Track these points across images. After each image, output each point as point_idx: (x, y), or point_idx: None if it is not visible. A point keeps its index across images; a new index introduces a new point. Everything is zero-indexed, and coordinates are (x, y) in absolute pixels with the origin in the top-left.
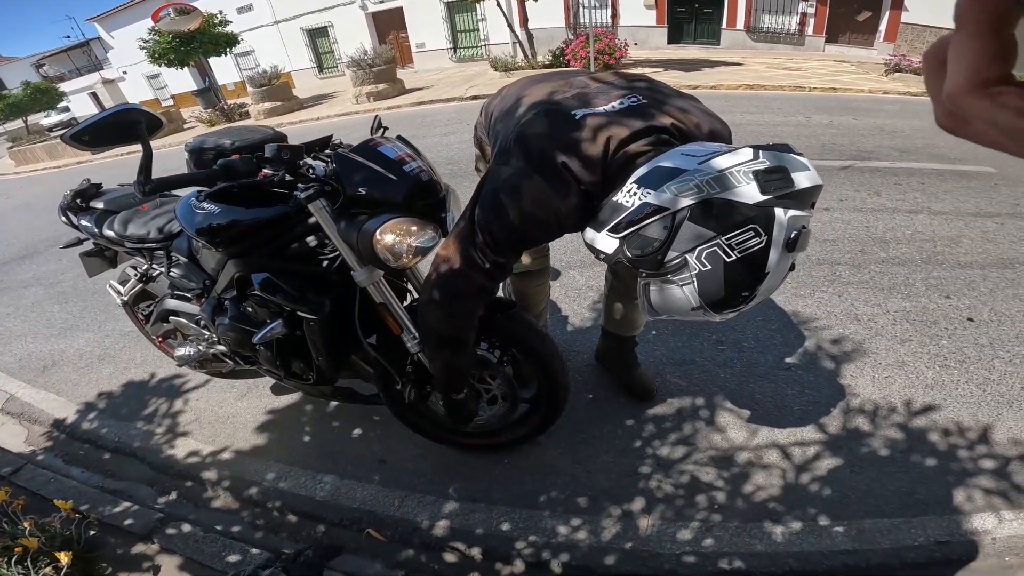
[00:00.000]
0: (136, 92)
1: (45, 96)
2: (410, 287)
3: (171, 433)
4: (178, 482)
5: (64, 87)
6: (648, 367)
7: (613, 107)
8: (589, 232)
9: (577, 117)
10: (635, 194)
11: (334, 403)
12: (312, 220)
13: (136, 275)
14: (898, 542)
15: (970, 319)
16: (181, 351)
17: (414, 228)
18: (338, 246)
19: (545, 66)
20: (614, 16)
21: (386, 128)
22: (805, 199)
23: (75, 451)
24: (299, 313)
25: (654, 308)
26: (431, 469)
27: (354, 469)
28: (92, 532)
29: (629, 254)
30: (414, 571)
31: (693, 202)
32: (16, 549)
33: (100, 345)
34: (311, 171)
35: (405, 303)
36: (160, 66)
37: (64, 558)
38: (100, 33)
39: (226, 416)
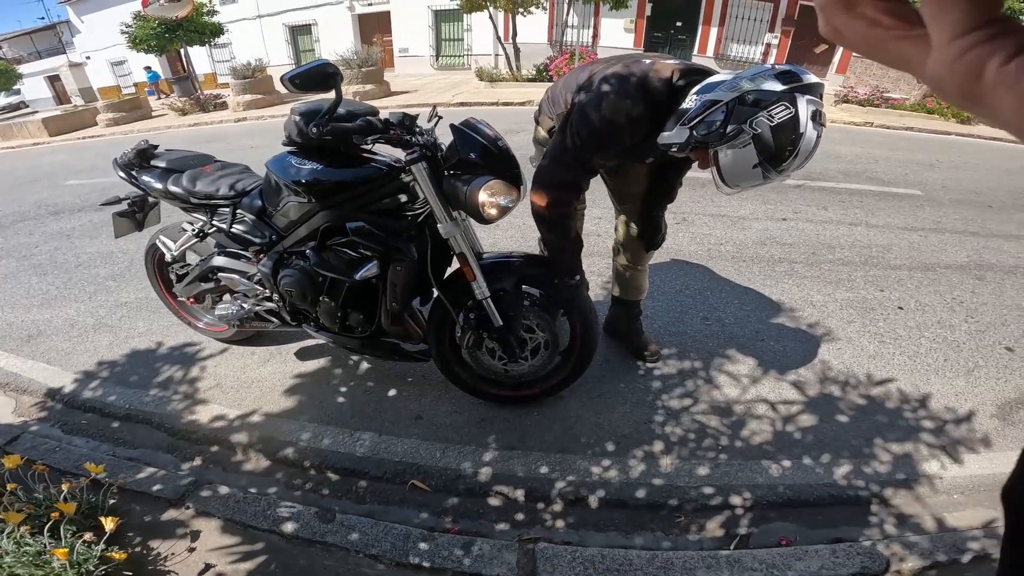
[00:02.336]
0: (98, 78)
1: (2, 77)
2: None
3: (190, 400)
4: (202, 447)
5: (23, 69)
6: (651, 334)
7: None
8: (663, 134)
9: (648, 60)
10: (696, 99)
11: (365, 366)
12: (408, 179)
13: (193, 230)
14: (868, 477)
15: (900, 307)
16: (223, 309)
17: (506, 189)
18: (431, 202)
19: (530, 79)
20: (595, 36)
21: (440, 117)
22: (814, 91)
23: (75, 420)
24: (387, 259)
25: (723, 174)
26: (466, 423)
27: (391, 426)
28: (112, 501)
29: (698, 135)
30: (462, 517)
31: (738, 95)
32: (52, 515)
33: (93, 315)
34: (414, 138)
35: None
36: (141, 52)
37: (110, 523)
38: (70, 16)
39: (250, 381)
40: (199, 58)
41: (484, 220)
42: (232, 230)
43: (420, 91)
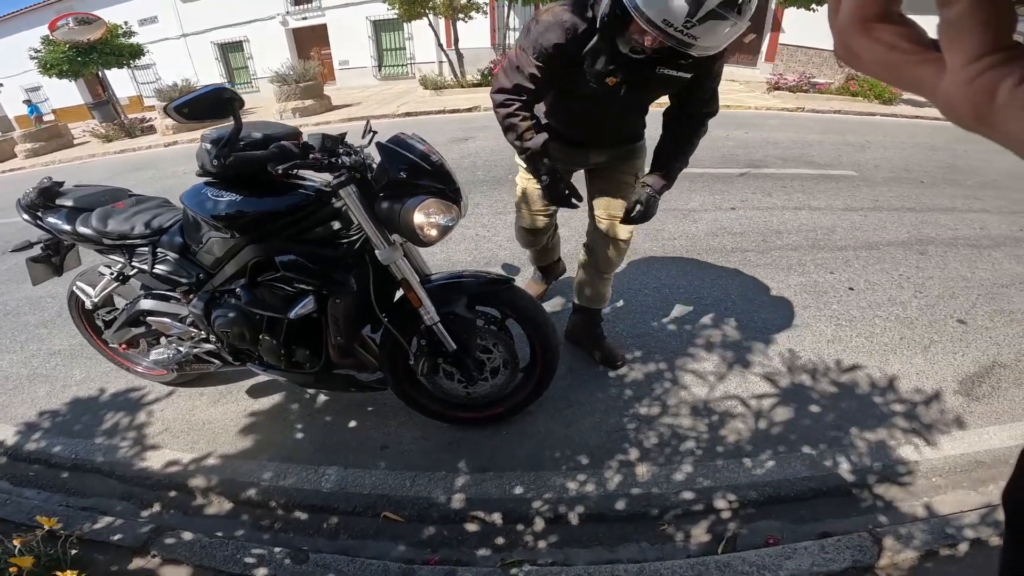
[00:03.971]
0: (12, 104)
1: None
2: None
3: (139, 445)
4: (159, 493)
5: None
6: (613, 339)
7: None
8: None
9: None
10: None
11: (322, 398)
12: (338, 204)
13: (110, 274)
14: (845, 467)
15: (851, 288)
16: (158, 354)
17: (444, 208)
18: (366, 227)
19: (475, 85)
20: None
21: (375, 132)
22: None
23: (22, 472)
24: (325, 292)
25: (648, 13)
26: (434, 448)
27: (356, 458)
28: (74, 551)
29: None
30: (440, 546)
31: None
32: (10, 570)
33: (27, 366)
34: (340, 160)
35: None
36: (51, 77)
37: None
38: None
39: (201, 423)
40: (122, 81)
41: (423, 242)
42: (155, 271)
43: (363, 103)
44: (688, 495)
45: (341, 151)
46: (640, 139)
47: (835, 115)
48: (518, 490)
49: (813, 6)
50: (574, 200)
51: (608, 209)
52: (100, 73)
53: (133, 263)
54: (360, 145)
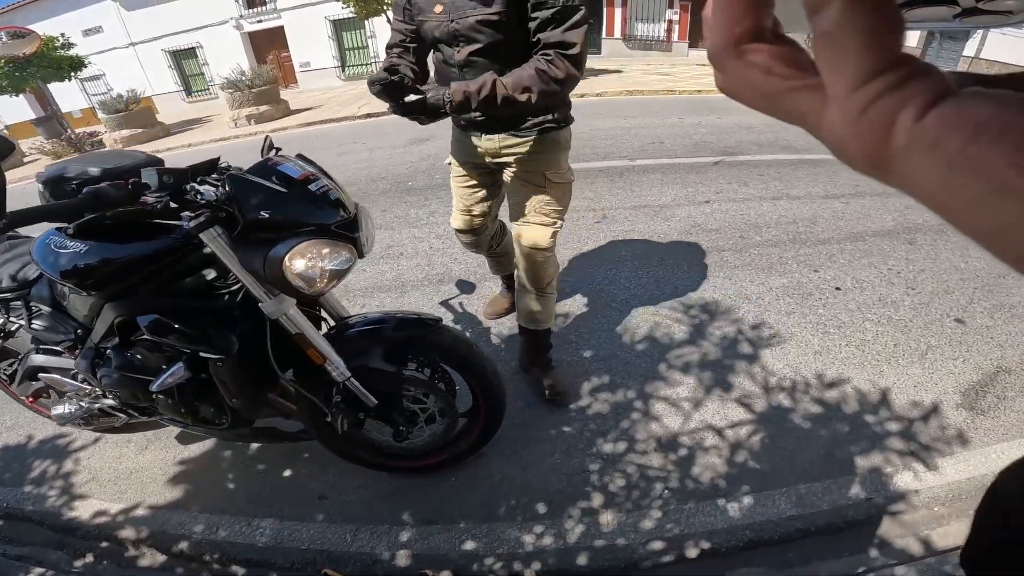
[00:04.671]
0: None
1: None
2: (324, 313)
3: (67, 495)
4: (91, 543)
5: None
6: (574, 367)
7: None
8: None
9: None
10: None
11: (254, 445)
12: (207, 250)
13: None
14: (835, 502)
15: (837, 288)
16: (59, 410)
17: (326, 250)
18: (240, 277)
19: None
20: None
21: (278, 149)
22: None
23: None
24: (203, 354)
25: None
26: (377, 497)
27: (293, 509)
28: None
29: None
30: None
31: None
32: None
33: None
34: (199, 196)
35: (322, 331)
36: None
37: None
38: None
39: (128, 472)
40: (71, 94)
41: (308, 296)
42: (33, 327)
43: (324, 106)
44: (658, 545)
45: (198, 184)
46: (542, 123)
47: None
48: (469, 545)
49: None
50: (412, 99)
51: (514, 213)
52: (45, 88)
53: (11, 318)
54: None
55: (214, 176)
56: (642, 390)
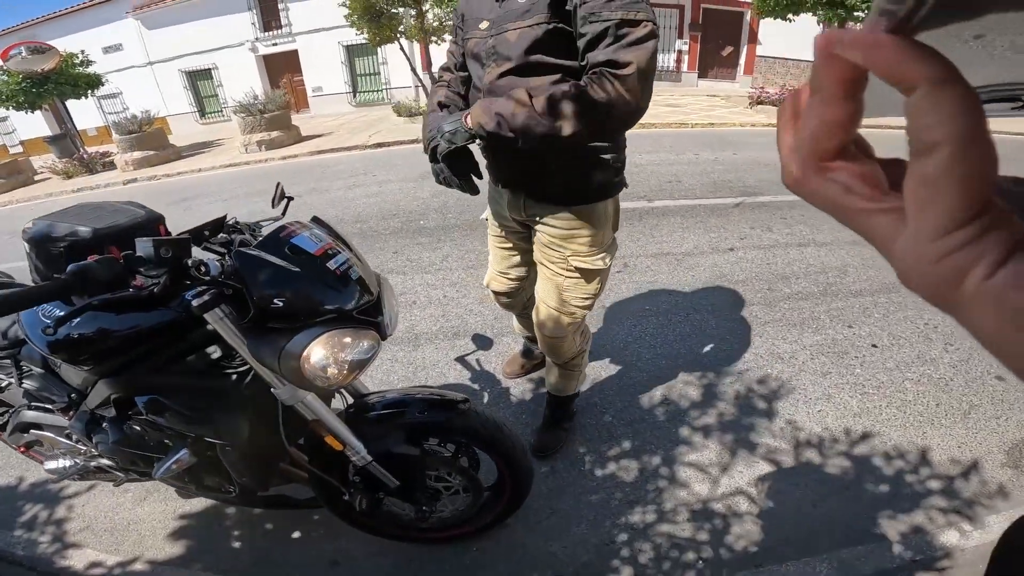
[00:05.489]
0: None
1: None
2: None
3: (60, 543)
4: None
5: None
6: (600, 430)
7: None
8: None
9: None
10: None
11: None
12: (211, 327)
13: None
14: (878, 566)
15: (874, 345)
16: (53, 464)
17: (347, 340)
18: (251, 363)
19: None
20: None
21: (291, 198)
22: None
23: None
24: (215, 433)
25: None
26: (393, 566)
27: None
28: None
29: None
30: None
31: None
32: None
33: None
34: (203, 269)
35: (337, 409)
36: (7, 109)
37: None
38: None
39: (126, 523)
40: (88, 111)
41: (324, 391)
42: (24, 386)
43: (335, 133)
44: None
45: (202, 251)
46: (576, 190)
47: None
48: None
49: (789, 16)
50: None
51: (537, 280)
52: (62, 104)
53: (0, 375)
54: (266, 223)
55: (221, 236)
56: (669, 455)
